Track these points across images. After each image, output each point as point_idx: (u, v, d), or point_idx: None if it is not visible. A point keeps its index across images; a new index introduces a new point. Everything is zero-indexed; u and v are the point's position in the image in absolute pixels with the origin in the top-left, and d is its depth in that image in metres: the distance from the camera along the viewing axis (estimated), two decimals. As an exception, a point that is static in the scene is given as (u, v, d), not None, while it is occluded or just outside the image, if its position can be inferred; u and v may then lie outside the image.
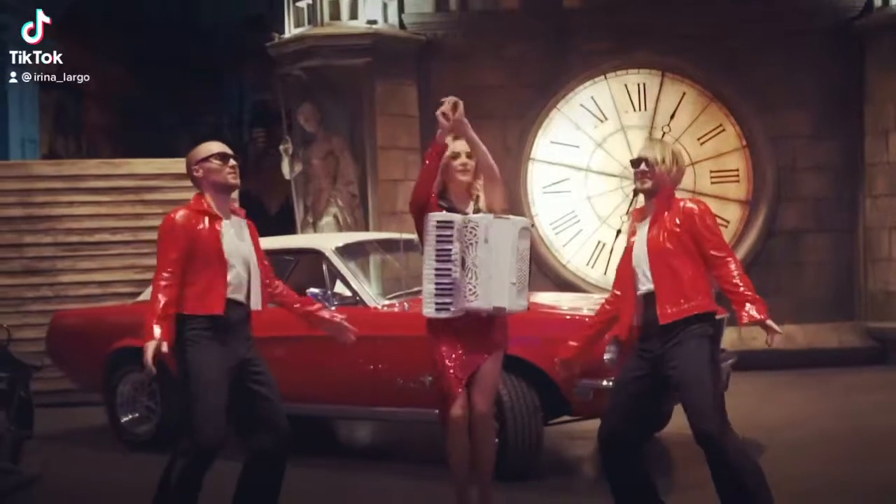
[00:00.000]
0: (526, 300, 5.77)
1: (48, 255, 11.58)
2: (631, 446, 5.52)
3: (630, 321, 5.50)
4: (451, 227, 5.64)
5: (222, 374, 5.39)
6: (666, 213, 5.41)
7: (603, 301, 5.92)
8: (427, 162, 5.76)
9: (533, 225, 5.98)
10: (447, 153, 5.80)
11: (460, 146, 5.83)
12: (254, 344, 5.62)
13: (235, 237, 5.58)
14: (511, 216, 5.76)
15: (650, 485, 5.61)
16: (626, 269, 5.57)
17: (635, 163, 5.54)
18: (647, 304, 5.39)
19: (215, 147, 5.65)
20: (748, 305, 5.19)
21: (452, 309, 5.63)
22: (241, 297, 5.54)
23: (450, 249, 5.63)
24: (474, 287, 5.58)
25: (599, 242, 12.88)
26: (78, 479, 7.85)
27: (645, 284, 5.41)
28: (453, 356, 5.65)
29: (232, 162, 5.63)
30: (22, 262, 11.52)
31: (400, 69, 12.69)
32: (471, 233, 5.61)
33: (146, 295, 9.09)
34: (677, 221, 5.36)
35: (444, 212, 5.73)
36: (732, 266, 5.32)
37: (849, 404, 10.03)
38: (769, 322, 5.16)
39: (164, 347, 5.26)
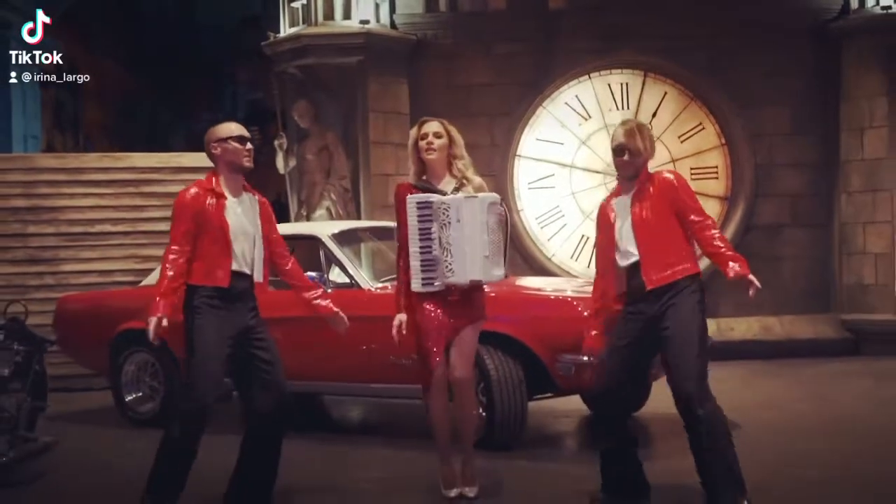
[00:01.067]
0: (501, 269, 6.17)
1: (51, 244, 11.89)
2: (623, 408, 5.93)
3: (614, 294, 5.87)
4: (430, 208, 6.06)
5: (222, 343, 5.77)
6: (645, 187, 5.78)
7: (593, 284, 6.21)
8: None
9: (502, 201, 6.32)
10: (417, 133, 6.20)
11: (429, 127, 6.21)
12: (258, 313, 5.97)
13: (242, 214, 5.90)
14: (479, 194, 6.11)
15: (634, 450, 6.00)
16: (607, 247, 5.89)
17: (618, 151, 5.83)
18: (632, 274, 5.74)
19: (235, 129, 5.95)
20: (731, 263, 5.60)
21: (437, 284, 6.06)
22: (245, 269, 5.88)
23: (430, 228, 6.06)
24: (450, 264, 6.01)
25: (583, 236, 13.16)
26: (88, 449, 8.23)
27: (630, 258, 5.75)
28: (435, 322, 6.07)
29: (249, 146, 5.94)
30: (26, 251, 11.83)
31: (391, 67, 12.94)
32: (444, 213, 6.03)
33: (149, 280, 9.52)
34: (655, 192, 5.73)
35: (422, 193, 6.12)
36: (712, 230, 5.73)
37: (822, 390, 10.42)
38: (751, 276, 5.55)
39: (164, 322, 5.66)
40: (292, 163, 12.89)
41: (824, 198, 13.26)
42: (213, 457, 6.07)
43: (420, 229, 6.08)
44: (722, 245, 5.69)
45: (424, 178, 6.24)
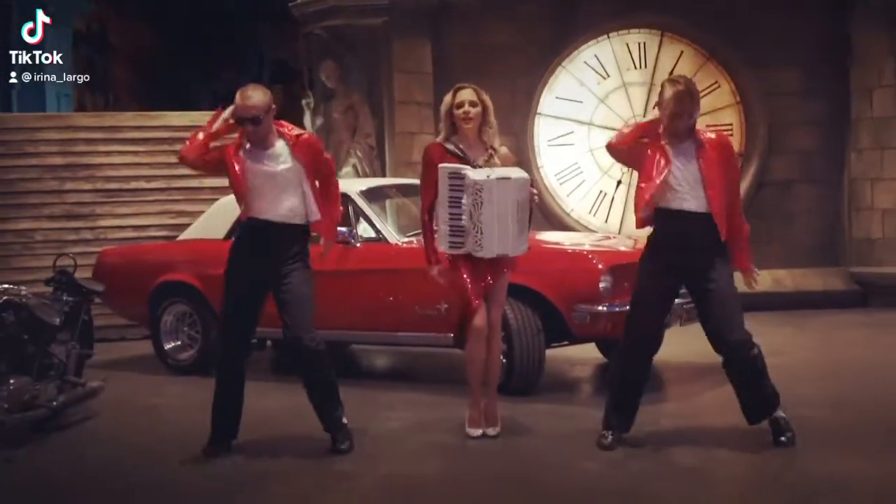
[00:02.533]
0: (526, 244, 6.62)
1: (88, 200, 12.30)
2: (656, 347, 6.36)
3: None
4: (462, 179, 6.41)
5: (244, 289, 6.28)
6: (709, 144, 6.06)
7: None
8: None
9: (532, 183, 6.74)
10: (452, 101, 6.52)
11: (465, 95, 6.54)
12: (290, 256, 6.30)
13: (263, 161, 6.23)
14: (512, 176, 6.48)
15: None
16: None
17: (674, 117, 5.96)
18: (680, 219, 6.06)
19: (236, 108, 6.22)
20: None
21: (463, 249, 6.47)
22: (264, 215, 6.23)
23: (460, 198, 6.42)
24: (479, 240, 6.41)
25: (601, 192, 13.51)
26: (132, 394, 8.66)
27: (686, 202, 6.03)
28: (473, 275, 6.49)
29: (250, 127, 6.18)
30: (63, 207, 12.23)
31: (415, 28, 13.16)
32: (477, 193, 6.37)
33: (185, 234, 9.95)
34: (720, 154, 6.06)
35: (453, 158, 6.50)
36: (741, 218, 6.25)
37: (826, 339, 10.89)
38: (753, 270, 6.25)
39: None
40: (319, 121, 13.23)
41: (834, 155, 13.50)
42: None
43: (450, 198, 6.44)
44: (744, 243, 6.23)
45: (455, 139, 6.57)
